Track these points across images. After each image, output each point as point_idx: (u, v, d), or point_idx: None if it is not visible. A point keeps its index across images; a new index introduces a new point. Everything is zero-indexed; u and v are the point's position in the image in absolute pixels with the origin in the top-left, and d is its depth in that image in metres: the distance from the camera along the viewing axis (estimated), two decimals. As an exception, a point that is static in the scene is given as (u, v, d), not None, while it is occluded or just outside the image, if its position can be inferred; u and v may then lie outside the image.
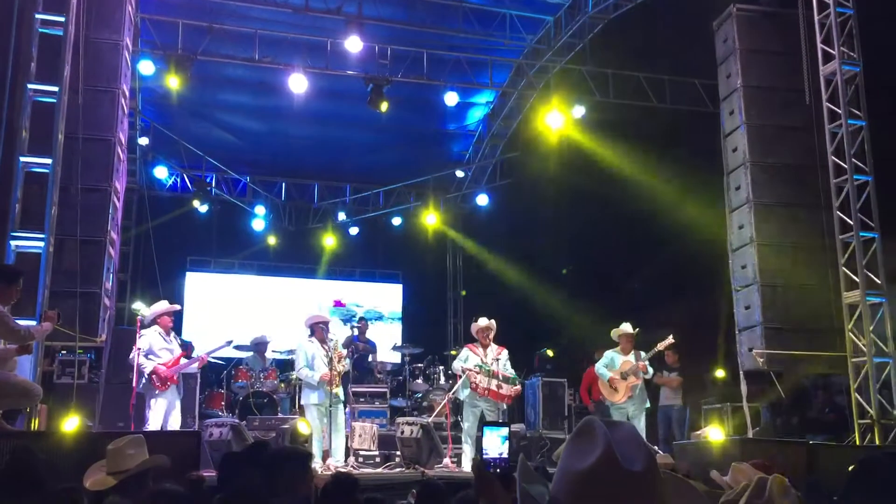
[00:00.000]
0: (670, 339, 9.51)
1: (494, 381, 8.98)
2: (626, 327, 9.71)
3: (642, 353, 9.53)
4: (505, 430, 2.83)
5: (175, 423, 8.46)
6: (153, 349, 8.49)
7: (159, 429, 8.09)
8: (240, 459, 3.75)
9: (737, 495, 2.47)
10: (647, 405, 9.62)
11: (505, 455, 2.62)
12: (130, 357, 8.46)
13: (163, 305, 8.93)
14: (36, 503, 2.76)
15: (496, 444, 2.57)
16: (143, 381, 8.39)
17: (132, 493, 3.87)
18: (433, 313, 17.69)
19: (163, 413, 8.35)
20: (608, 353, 9.77)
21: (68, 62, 7.89)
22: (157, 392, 8.37)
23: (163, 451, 4.53)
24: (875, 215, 8.87)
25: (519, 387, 9.46)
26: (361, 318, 11.92)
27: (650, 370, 9.57)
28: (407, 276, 18.05)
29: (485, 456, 2.65)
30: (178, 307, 9.02)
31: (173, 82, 11.55)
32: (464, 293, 12.42)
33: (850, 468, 1.71)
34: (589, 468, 1.40)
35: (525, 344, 13.38)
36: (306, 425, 8.46)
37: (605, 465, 1.39)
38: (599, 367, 9.76)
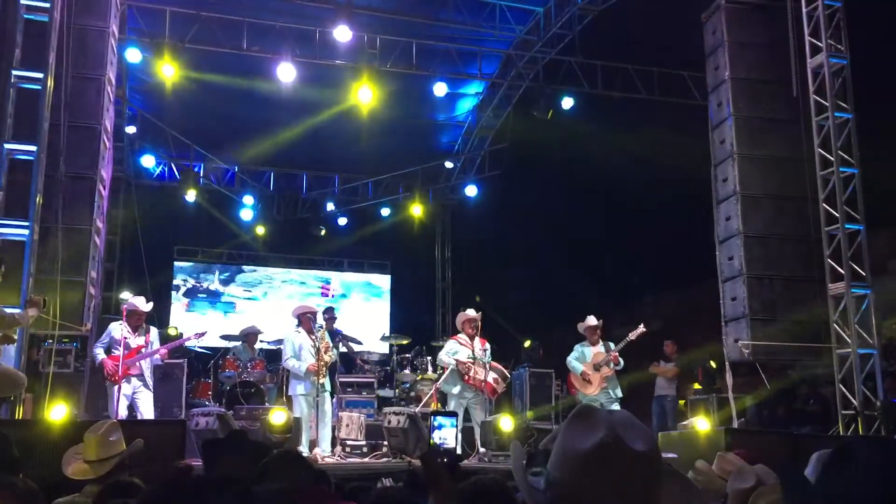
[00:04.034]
0: (641, 329, 9.42)
1: (490, 374, 8.97)
2: (591, 320, 9.65)
3: (611, 345, 9.48)
4: (455, 420, 2.85)
5: (146, 415, 8.40)
6: (112, 341, 8.44)
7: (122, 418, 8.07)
8: (221, 447, 3.74)
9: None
10: (620, 395, 9.56)
11: (452, 444, 2.64)
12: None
13: (127, 300, 8.88)
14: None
15: (449, 434, 2.59)
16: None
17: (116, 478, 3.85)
18: (421, 304, 17.70)
19: (123, 404, 8.26)
20: (577, 347, 9.68)
21: (54, 48, 7.83)
22: (107, 384, 8.37)
23: (148, 440, 4.52)
24: (860, 208, 8.92)
25: (505, 385, 9.48)
26: (329, 308, 11.90)
27: (621, 361, 9.51)
28: (395, 266, 18.06)
29: (442, 445, 2.66)
30: (141, 307, 8.70)
31: (164, 70, 11.49)
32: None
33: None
34: (592, 448, 1.40)
35: (511, 334, 13.42)
36: (283, 414, 8.40)
37: (609, 445, 1.39)
38: (570, 360, 9.66)
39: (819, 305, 9.13)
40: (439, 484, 1.66)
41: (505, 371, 9.41)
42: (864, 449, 1.41)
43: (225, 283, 17.28)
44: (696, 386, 11.86)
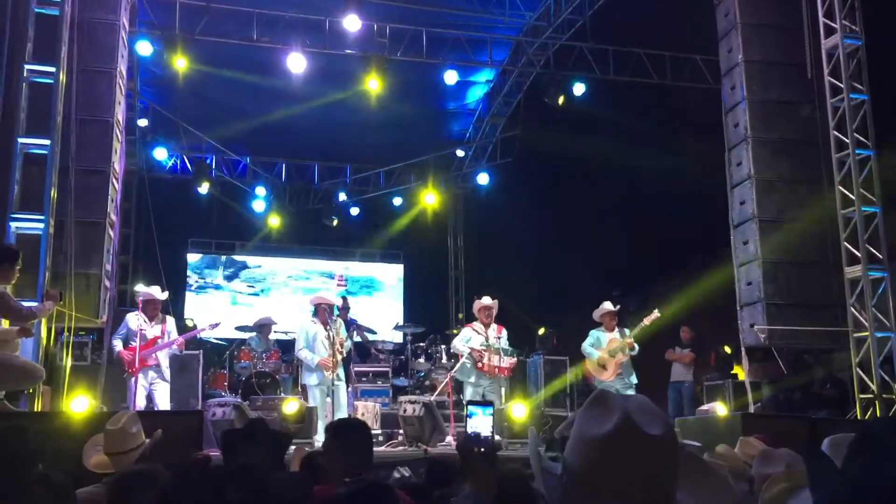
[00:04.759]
0: (655, 314, 9.39)
1: (499, 359, 9.01)
2: (608, 306, 9.64)
3: (626, 331, 9.46)
4: (490, 409, 2.84)
5: (162, 406, 8.47)
6: (129, 333, 8.53)
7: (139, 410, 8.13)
8: (239, 436, 3.76)
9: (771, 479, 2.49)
10: (635, 381, 9.55)
11: (489, 434, 2.63)
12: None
13: (142, 290, 8.98)
14: (15, 488, 2.74)
15: (484, 423, 2.59)
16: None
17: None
18: (434, 292, 17.71)
19: (141, 395, 8.35)
20: (593, 333, 9.67)
21: (65, 42, 7.85)
22: (125, 375, 8.46)
23: (166, 431, 4.55)
24: (877, 190, 8.85)
25: (515, 358, 9.49)
26: (343, 298, 11.96)
27: (636, 347, 9.50)
28: (408, 255, 18.06)
29: (471, 433, 2.65)
30: (157, 296, 8.81)
31: (175, 63, 11.52)
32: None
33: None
34: (607, 433, 1.39)
35: (526, 322, 13.40)
36: (295, 403, 8.45)
37: (624, 429, 1.38)
38: (586, 346, 9.64)
39: (835, 289, 9.07)
40: (477, 472, 1.67)
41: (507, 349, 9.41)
42: (891, 431, 1.39)
43: (229, 279, 17.31)
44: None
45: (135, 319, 8.56)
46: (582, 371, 11.32)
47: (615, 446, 1.39)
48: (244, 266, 17.45)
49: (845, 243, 8.88)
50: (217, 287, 17.18)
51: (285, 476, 3.19)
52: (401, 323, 14.31)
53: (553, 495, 1.47)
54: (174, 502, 2.37)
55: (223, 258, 17.31)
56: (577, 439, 1.45)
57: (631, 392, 9.31)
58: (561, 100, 13.23)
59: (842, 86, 8.96)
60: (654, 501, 1.39)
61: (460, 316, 17.11)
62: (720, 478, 1.67)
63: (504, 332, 9.27)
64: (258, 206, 16.64)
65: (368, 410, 9.66)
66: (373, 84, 12.35)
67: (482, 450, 1.94)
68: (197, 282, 17.03)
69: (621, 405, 1.43)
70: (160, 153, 15.37)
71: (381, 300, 17.84)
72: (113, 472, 3.94)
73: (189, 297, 16.64)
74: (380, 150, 16.43)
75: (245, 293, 17.25)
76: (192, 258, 17.05)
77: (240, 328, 12.13)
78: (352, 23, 11.76)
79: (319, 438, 8.41)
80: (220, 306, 16.53)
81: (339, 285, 17.56)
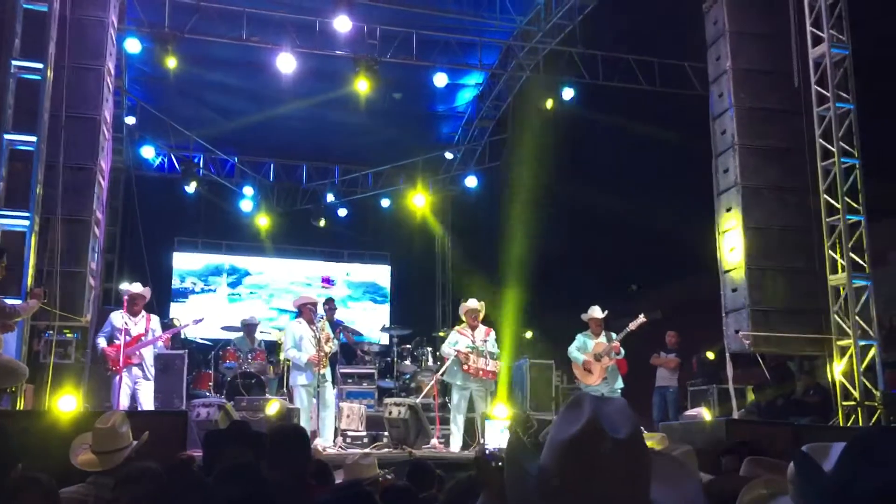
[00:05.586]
0: (641, 318, 9.45)
1: (485, 361, 9.03)
2: (596, 311, 9.69)
3: (613, 335, 9.52)
4: (505, 423, 2.86)
5: (146, 405, 8.43)
6: (114, 331, 8.50)
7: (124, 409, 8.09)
8: (223, 438, 3.75)
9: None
10: (622, 385, 9.60)
11: (498, 446, 2.65)
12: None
13: (125, 288, 8.97)
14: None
15: (497, 435, 2.60)
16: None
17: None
18: (421, 294, 17.70)
19: (125, 394, 8.31)
20: (579, 337, 9.73)
21: (53, 39, 7.81)
22: (108, 374, 8.41)
23: (150, 431, 4.53)
24: (861, 199, 8.92)
25: (500, 362, 9.51)
26: (329, 299, 11.94)
27: (622, 350, 9.57)
28: (395, 257, 18.04)
29: (486, 448, 2.67)
30: (140, 292, 8.81)
31: (164, 61, 11.47)
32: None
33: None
34: (573, 436, 1.40)
35: (513, 326, 13.41)
36: (277, 404, 8.45)
37: (590, 432, 1.39)
38: (572, 350, 9.70)
39: (820, 296, 9.14)
40: (492, 486, 1.69)
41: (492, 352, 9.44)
42: (881, 440, 1.39)
43: (233, 285, 17.23)
44: None
45: (119, 318, 8.53)
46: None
47: (579, 449, 1.39)
48: (247, 273, 17.35)
49: (830, 251, 8.94)
50: (205, 291, 17.08)
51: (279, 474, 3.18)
52: (387, 325, 14.30)
53: (522, 499, 1.47)
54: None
55: (223, 267, 17.17)
56: (549, 441, 1.46)
57: (615, 397, 9.34)
58: (550, 104, 13.26)
59: (828, 95, 9.03)
60: None
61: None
62: (689, 472, 1.68)
63: (492, 335, 9.29)
64: (246, 205, 16.58)
65: (353, 412, 9.64)
66: (362, 85, 12.35)
67: (499, 464, 1.97)
68: (188, 286, 16.93)
69: (593, 408, 1.44)
70: (147, 151, 15.29)
71: (367, 302, 17.82)
72: (100, 470, 3.92)
73: (175, 295, 16.55)
74: (368, 152, 16.42)
75: (231, 294, 17.16)
76: (184, 263, 16.92)
77: (226, 328, 12.10)
78: (342, 24, 11.75)
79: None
80: (205, 306, 16.45)
81: (324, 286, 17.52)
